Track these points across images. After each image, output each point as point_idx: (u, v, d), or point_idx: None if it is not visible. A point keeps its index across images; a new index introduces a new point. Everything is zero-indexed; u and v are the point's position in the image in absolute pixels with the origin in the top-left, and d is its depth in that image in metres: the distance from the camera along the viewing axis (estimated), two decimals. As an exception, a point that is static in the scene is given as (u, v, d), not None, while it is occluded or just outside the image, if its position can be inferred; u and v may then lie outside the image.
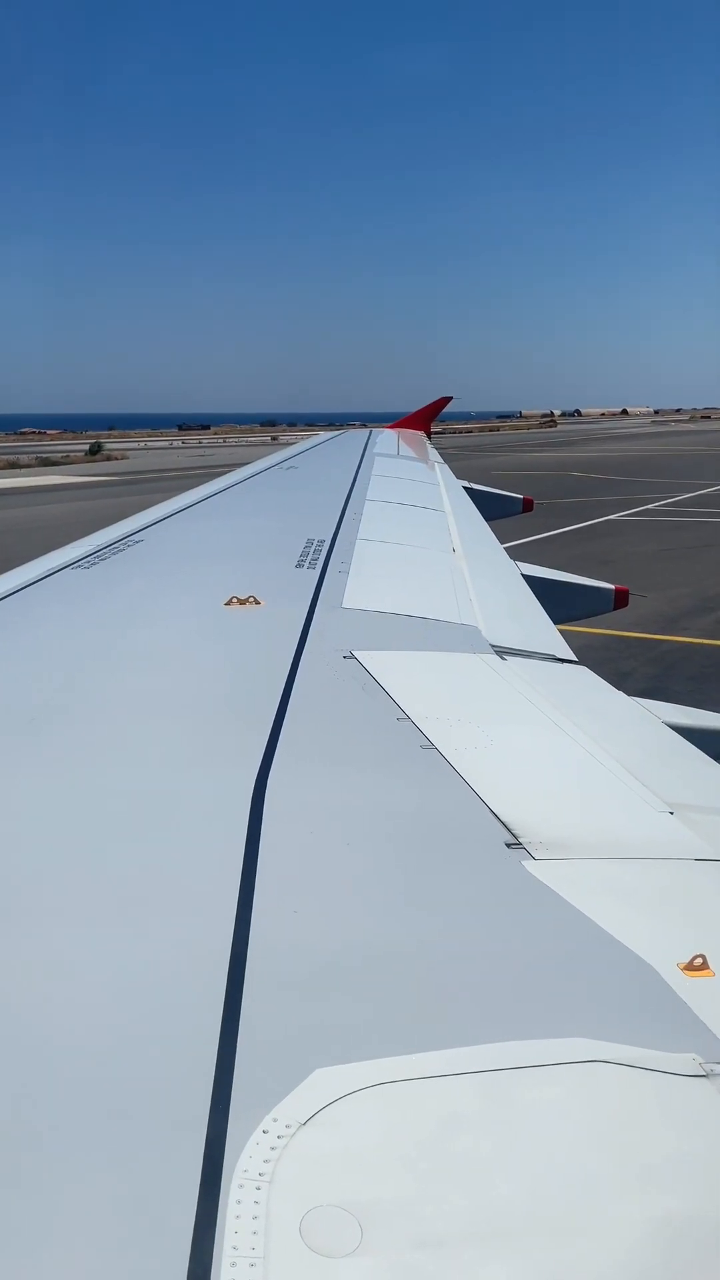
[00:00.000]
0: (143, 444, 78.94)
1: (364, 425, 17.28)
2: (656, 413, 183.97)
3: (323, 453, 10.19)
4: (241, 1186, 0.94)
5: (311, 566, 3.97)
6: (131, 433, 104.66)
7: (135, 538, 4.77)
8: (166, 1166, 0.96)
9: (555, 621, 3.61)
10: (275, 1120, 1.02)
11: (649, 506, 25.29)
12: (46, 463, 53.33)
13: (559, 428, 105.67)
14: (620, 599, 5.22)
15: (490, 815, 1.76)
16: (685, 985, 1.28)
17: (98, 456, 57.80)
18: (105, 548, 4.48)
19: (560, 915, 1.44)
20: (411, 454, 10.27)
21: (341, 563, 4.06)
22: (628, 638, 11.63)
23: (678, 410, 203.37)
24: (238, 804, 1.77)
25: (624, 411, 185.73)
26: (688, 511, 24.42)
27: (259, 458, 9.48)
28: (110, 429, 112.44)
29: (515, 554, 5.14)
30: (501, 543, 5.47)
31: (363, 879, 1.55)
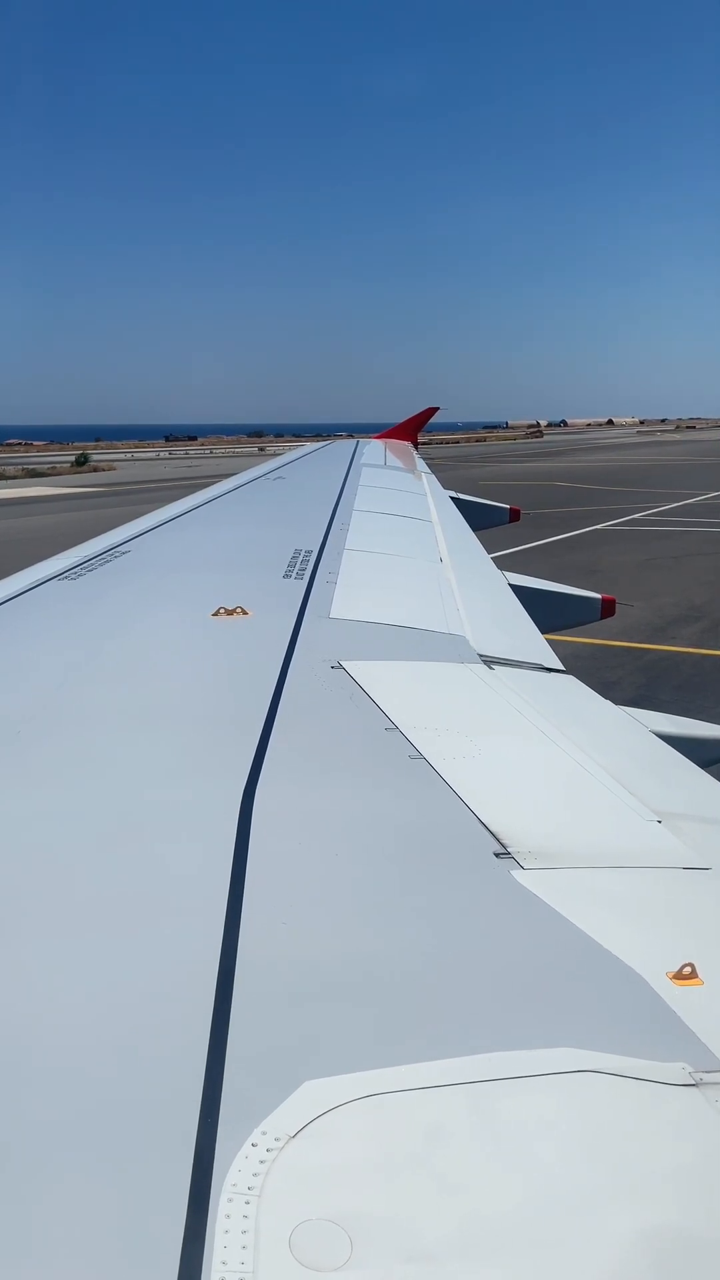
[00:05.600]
0: (129, 455, 78.88)
1: (351, 436, 17.30)
2: (642, 423, 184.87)
3: (310, 463, 10.20)
4: (230, 1200, 0.93)
5: (299, 577, 3.97)
6: (118, 444, 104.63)
7: (122, 549, 4.76)
8: (155, 1180, 0.96)
9: (543, 631, 3.62)
10: (264, 1133, 1.01)
11: (635, 516, 25.40)
12: (33, 474, 53.21)
13: (545, 438, 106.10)
14: (607, 608, 5.24)
15: (479, 825, 1.76)
16: (674, 994, 1.28)
17: (84, 467, 57.70)
18: (92, 559, 4.47)
19: (549, 925, 1.44)
20: (399, 464, 10.29)
21: (329, 573, 4.06)
22: (615, 647, 11.67)
23: (663, 420, 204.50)
24: (226, 815, 1.77)
25: (610, 422, 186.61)
26: (673, 521, 24.53)
27: (246, 468, 9.48)
28: (97, 440, 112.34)
29: (502, 564, 5.15)
30: (489, 553, 5.48)
31: (351, 890, 1.55)
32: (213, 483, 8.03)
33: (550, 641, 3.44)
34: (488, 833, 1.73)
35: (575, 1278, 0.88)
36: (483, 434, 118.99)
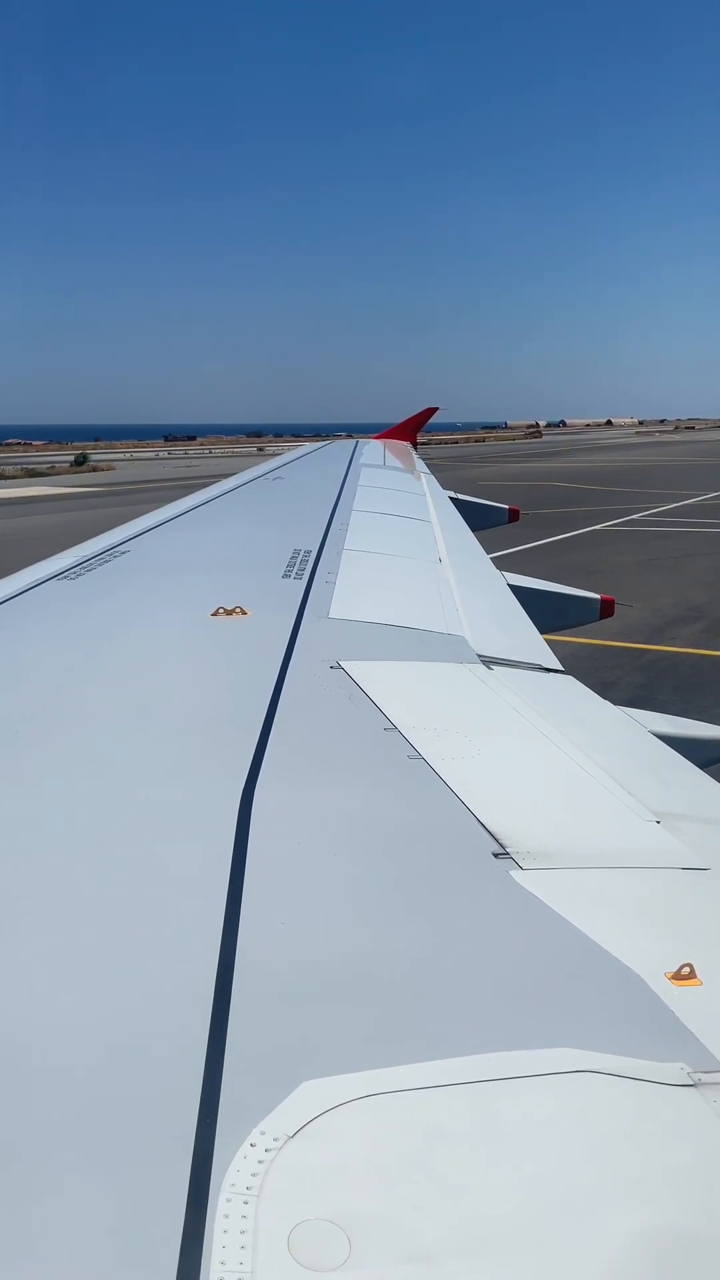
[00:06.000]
0: (129, 455, 78.89)
1: (350, 436, 17.29)
2: (641, 423, 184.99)
3: (309, 463, 10.20)
4: (229, 1200, 0.93)
5: (298, 577, 3.97)
6: (117, 444, 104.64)
7: (121, 548, 4.76)
8: (154, 1180, 0.96)
9: (542, 631, 3.62)
10: (263, 1133, 1.01)
11: (634, 517, 25.42)
12: (32, 474, 53.21)
13: (544, 438, 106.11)
14: (606, 609, 5.24)
15: (477, 825, 1.76)
16: (672, 994, 1.28)
17: (83, 467, 57.69)
18: (91, 559, 4.47)
19: (548, 925, 1.44)
20: (398, 464, 10.29)
21: (328, 573, 4.06)
22: (614, 647, 11.67)
23: (661, 421, 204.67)
24: (225, 815, 1.77)
25: (608, 422, 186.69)
26: (672, 521, 24.54)
27: (245, 468, 9.48)
28: (96, 440, 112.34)
29: (501, 564, 5.15)
30: (488, 553, 5.48)
31: (350, 890, 1.55)
32: (212, 483, 8.03)
33: (549, 642, 3.44)
34: (486, 833, 1.73)
35: (574, 1278, 0.88)
36: (482, 434, 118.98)
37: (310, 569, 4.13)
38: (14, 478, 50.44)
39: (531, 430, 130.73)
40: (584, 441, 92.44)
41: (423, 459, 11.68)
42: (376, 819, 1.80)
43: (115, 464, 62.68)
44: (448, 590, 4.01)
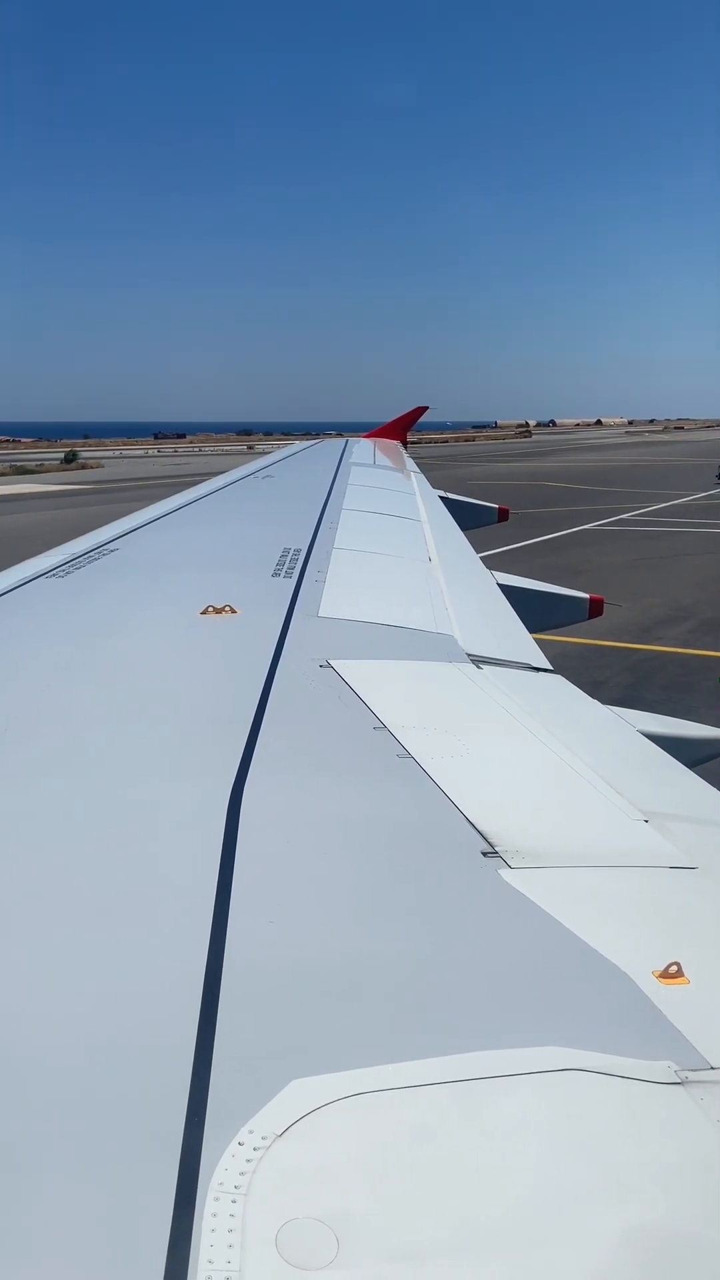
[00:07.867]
0: (118, 452, 78.71)
1: (340, 435, 17.29)
2: (630, 423, 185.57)
3: (299, 462, 10.19)
4: (217, 1199, 0.93)
5: (288, 575, 3.97)
6: (107, 441, 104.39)
7: (110, 546, 4.75)
8: (142, 1180, 0.96)
9: (531, 630, 3.62)
10: (251, 1132, 1.01)
11: (623, 516, 25.49)
12: (21, 471, 53.05)
13: (534, 438, 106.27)
14: (595, 608, 5.25)
15: (466, 824, 1.76)
16: (660, 993, 1.28)
17: (73, 465, 57.54)
18: (80, 556, 4.46)
19: (536, 924, 1.45)
20: (388, 463, 10.29)
21: (318, 572, 4.06)
22: (602, 647, 11.70)
23: (651, 421, 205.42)
24: (214, 814, 1.76)
25: (598, 422, 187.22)
26: (661, 521, 24.62)
27: (235, 467, 9.46)
28: (85, 437, 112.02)
29: (491, 563, 5.16)
30: (477, 552, 5.48)
31: (339, 889, 1.55)
32: (201, 481, 8.01)
33: (538, 641, 3.44)
34: (475, 832, 1.73)
35: (562, 1276, 0.88)
36: (472, 434, 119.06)
37: (300, 568, 4.13)
38: (3, 475, 50.25)
39: (521, 430, 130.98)
40: (574, 441, 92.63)
41: (412, 458, 11.68)
42: (365, 818, 1.80)
43: (104, 461, 62.54)
44: (437, 589, 4.01)
